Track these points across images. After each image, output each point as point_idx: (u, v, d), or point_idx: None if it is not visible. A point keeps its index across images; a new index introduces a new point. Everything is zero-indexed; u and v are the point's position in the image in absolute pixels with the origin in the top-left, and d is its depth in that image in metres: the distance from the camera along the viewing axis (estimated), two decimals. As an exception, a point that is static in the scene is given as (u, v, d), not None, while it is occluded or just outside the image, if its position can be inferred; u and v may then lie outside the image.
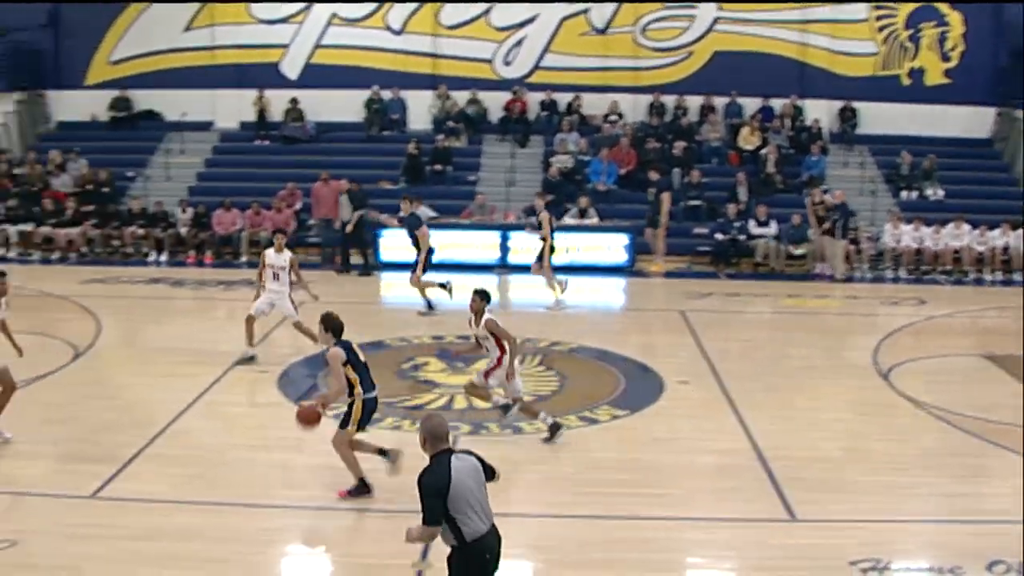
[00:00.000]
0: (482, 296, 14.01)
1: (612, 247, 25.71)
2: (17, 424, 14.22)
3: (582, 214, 25.76)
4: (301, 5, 31.12)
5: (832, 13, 30.39)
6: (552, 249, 21.95)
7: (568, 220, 25.53)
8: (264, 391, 15.74)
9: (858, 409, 15.68)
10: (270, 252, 17.85)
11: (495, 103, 30.63)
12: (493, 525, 7.88)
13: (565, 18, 30.91)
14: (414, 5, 30.63)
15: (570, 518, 11.51)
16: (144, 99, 32.08)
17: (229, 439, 13.88)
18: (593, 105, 30.57)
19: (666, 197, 25.87)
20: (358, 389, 11.92)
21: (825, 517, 11.50)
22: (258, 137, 30.56)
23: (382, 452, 12.08)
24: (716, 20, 30.56)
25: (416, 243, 21.21)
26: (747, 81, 30.11)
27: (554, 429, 13.80)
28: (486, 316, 13.81)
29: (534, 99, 30.61)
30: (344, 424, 11.96)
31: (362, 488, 11.94)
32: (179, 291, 23.03)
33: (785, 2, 30.27)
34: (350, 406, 11.94)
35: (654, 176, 26.84)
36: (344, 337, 12.06)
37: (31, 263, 26.34)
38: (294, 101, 30.47)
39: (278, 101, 30.69)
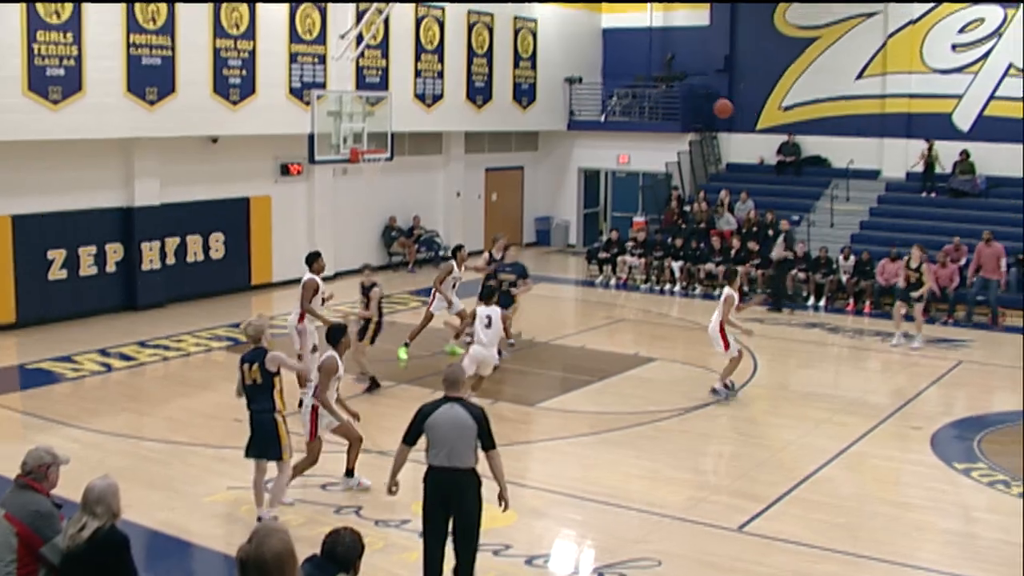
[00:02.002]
0: None
1: None
2: (668, 450, 14.85)
3: None
4: (978, 55, 30.10)
5: None
6: None
7: None
8: (916, 448, 15.30)
9: None
10: None
11: None
12: (455, 470, 9.42)
13: None
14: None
15: None
16: (812, 145, 32.49)
17: (874, 492, 13.60)
18: None
19: None
20: None
21: None
22: (925, 189, 29.89)
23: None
24: None
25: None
26: None
27: None
28: None
29: None
30: None
31: None
32: (835, 337, 22.99)
33: None
34: None
35: None
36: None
37: (693, 297, 27.42)
38: (964, 153, 29.50)
39: (947, 152, 29.86)
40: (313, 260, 17.02)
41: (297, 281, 17.51)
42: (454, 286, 19.84)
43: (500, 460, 9.69)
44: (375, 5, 24.90)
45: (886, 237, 27.29)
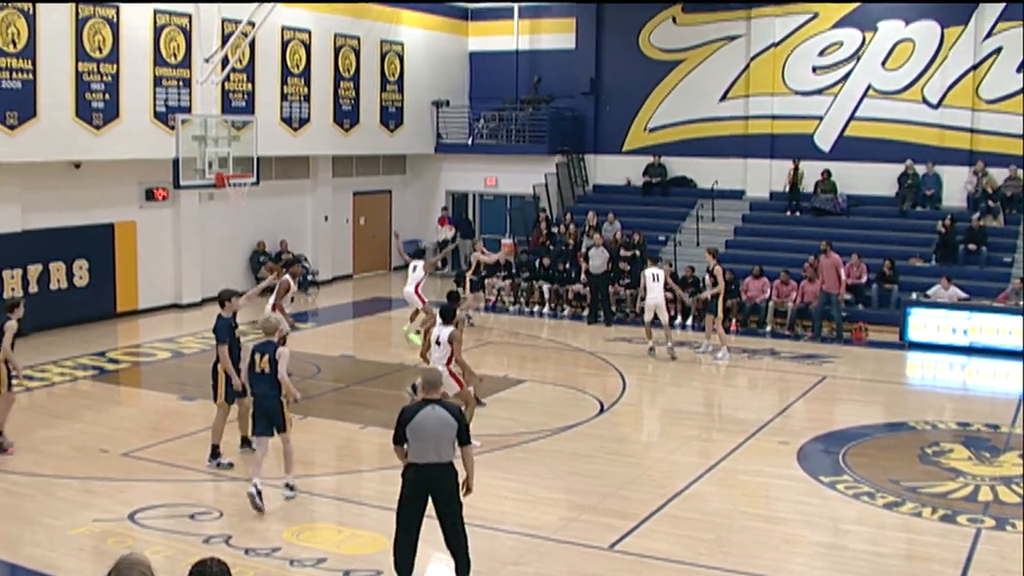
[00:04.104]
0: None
1: None
2: (538, 471, 14.92)
3: None
4: (837, 77, 30.89)
5: None
6: None
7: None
8: (783, 462, 15.56)
9: None
10: None
11: (1037, 182, 29.02)
12: (438, 465, 10.28)
13: None
14: (954, 77, 29.61)
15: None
16: (677, 166, 33.00)
17: (742, 508, 13.79)
18: None
19: None
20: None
21: None
22: (789, 208, 30.53)
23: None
24: None
25: None
26: None
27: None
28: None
29: (1082, 179, 28.71)
30: None
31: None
32: (702, 356, 23.28)
33: None
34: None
35: None
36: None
37: (561, 319, 27.58)
38: (826, 173, 30.21)
39: (809, 172, 30.54)
40: (291, 264, 20.53)
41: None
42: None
43: (472, 454, 10.65)
44: (240, 28, 24.69)
45: (751, 256, 27.80)
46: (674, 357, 22.52)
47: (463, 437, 10.45)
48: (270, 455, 13.62)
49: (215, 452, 14.77)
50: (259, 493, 12.90)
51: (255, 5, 24.42)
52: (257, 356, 13.58)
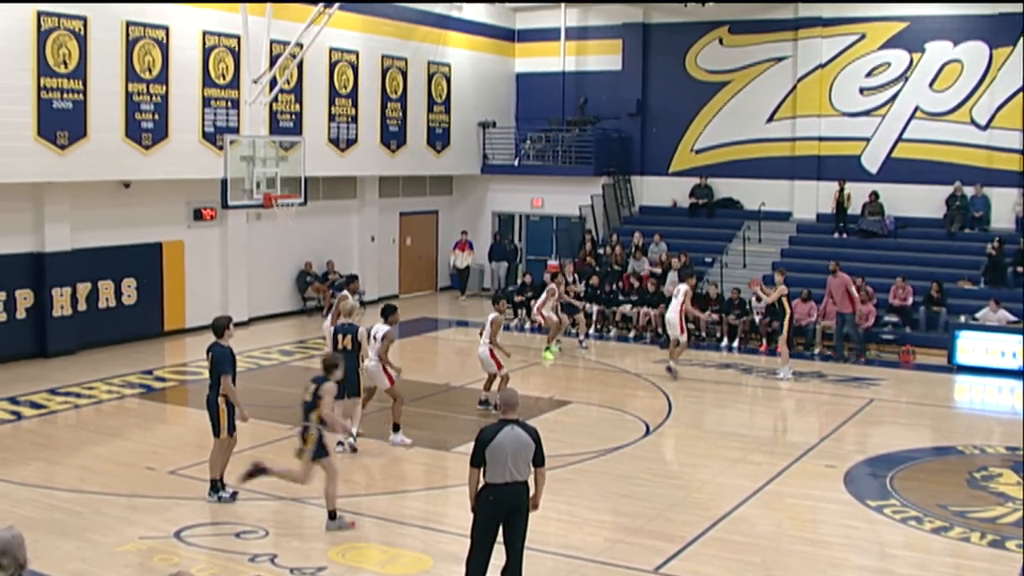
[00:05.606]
0: None
1: None
2: (584, 492, 14.87)
3: None
4: (885, 98, 30.77)
5: None
6: None
7: None
8: (830, 486, 15.44)
9: None
10: None
11: (1085, 203, 28.77)
12: (516, 483, 10.24)
13: None
14: (1003, 98, 29.41)
15: None
16: (724, 187, 32.95)
17: (788, 531, 13.68)
18: None
19: None
20: None
21: None
22: (836, 230, 30.39)
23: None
24: None
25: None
26: None
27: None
28: None
29: None
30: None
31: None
32: (748, 378, 23.19)
33: None
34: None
35: None
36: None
37: (608, 340, 27.52)
38: (874, 195, 30.05)
39: (857, 194, 30.40)
40: (351, 281, 20.91)
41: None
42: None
43: (545, 475, 10.70)
44: (288, 49, 24.84)
45: (798, 278, 27.59)
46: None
47: (539, 458, 10.43)
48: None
49: (216, 485, 14.15)
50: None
51: (303, 26, 24.55)
52: (340, 336, 16.55)
